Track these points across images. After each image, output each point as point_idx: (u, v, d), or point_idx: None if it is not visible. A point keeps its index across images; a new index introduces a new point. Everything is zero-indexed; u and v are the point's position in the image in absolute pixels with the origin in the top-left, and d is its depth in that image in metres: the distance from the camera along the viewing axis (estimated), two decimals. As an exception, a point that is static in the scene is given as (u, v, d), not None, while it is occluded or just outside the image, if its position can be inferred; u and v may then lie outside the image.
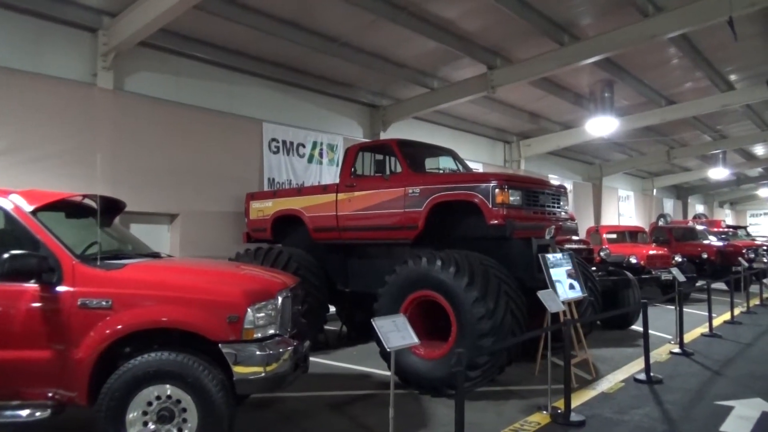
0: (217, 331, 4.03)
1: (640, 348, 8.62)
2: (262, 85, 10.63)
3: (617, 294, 10.06)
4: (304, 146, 11.14)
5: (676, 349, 8.34)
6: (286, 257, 8.06)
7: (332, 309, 9.40)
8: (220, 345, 4.03)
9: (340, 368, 7.49)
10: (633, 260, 14.13)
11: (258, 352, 4.12)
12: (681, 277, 9.11)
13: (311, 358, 7.89)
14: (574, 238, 10.76)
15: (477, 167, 13.62)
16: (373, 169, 7.61)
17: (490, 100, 13.90)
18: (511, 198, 6.52)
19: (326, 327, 9.22)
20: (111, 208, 5.56)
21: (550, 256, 6.83)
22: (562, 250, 7.58)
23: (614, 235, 16.24)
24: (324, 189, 8.27)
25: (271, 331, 4.32)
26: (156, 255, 5.40)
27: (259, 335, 4.17)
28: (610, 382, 6.70)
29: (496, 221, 6.44)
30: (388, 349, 3.61)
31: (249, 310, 4.09)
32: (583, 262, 8.21)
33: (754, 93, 13.62)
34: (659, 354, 8.28)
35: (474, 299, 5.80)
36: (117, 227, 5.68)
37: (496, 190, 6.45)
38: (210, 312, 4.04)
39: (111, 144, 8.28)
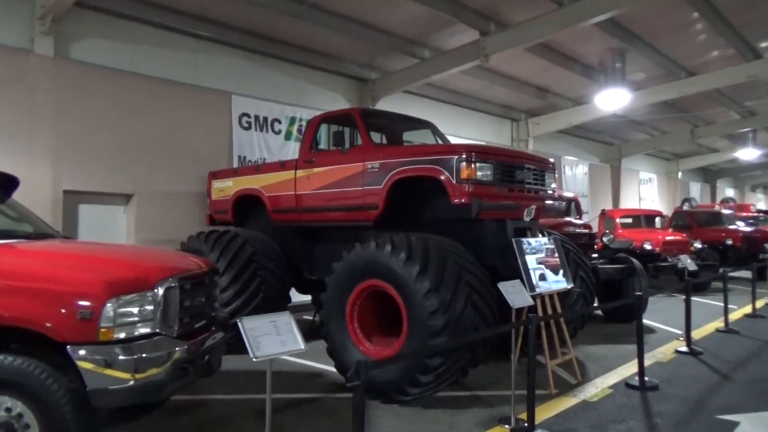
0: (64, 330, 3.25)
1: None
2: (231, 55, 9.79)
3: (621, 283, 9.04)
4: (279, 122, 10.28)
5: (683, 347, 7.33)
6: (240, 242, 7.27)
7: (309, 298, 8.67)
8: (68, 347, 3.25)
9: (295, 365, 6.68)
10: (647, 246, 13.03)
11: (122, 357, 3.34)
12: (691, 266, 8.06)
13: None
14: (576, 221, 9.73)
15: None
16: (332, 142, 6.73)
17: (490, 73, 12.83)
18: (479, 173, 5.58)
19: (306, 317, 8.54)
20: (1, 184, 4.85)
21: (528, 240, 5.89)
22: (548, 234, 6.62)
23: (629, 220, 15.10)
24: (282, 165, 7.43)
25: (146, 330, 3.52)
26: (49, 236, 4.66)
27: (123, 335, 3.37)
28: (596, 387, 5.76)
29: (460, 200, 5.52)
30: (254, 358, 2.77)
31: (108, 304, 3.29)
32: (576, 249, 7.23)
33: (786, 62, 12.28)
34: (662, 353, 7.29)
35: (426, 290, 4.91)
36: (14, 205, 4.93)
37: (461, 164, 5.52)
38: (56, 306, 3.26)
39: (52, 117, 7.55)
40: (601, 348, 7.54)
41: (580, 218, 10.81)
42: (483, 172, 5.61)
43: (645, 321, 9.44)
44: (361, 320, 5.54)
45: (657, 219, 15.17)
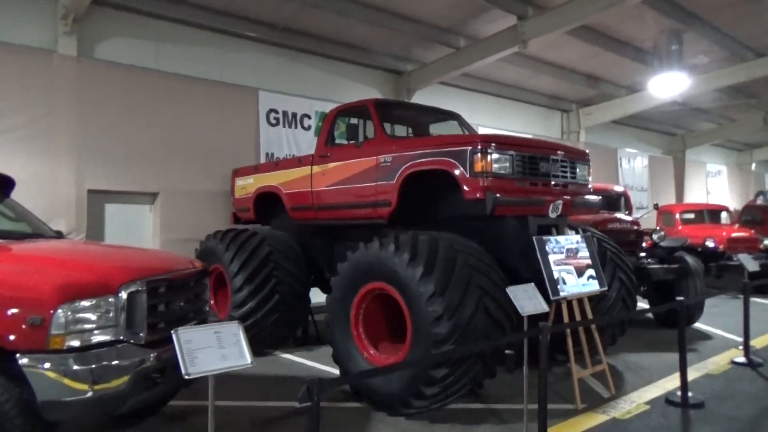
0: (14, 337, 3.06)
1: (694, 353, 6.96)
2: (258, 50, 9.62)
3: (674, 285, 8.24)
4: (309, 117, 10.05)
5: (741, 358, 6.53)
6: (257, 241, 7.05)
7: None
8: (18, 356, 3.06)
9: (307, 370, 6.41)
10: (710, 244, 12.03)
11: (76, 366, 3.12)
12: (752, 265, 7.20)
13: (285, 355, 7.02)
14: (623, 217, 8.96)
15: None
16: (346, 135, 6.39)
17: (534, 61, 12.12)
18: (496, 165, 5.08)
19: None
20: (-2, 184, 4.80)
21: (554, 239, 5.34)
22: (582, 232, 6.02)
23: (691, 215, 13.98)
24: (299, 161, 7.15)
25: (107, 337, 3.30)
26: (41, 236, 4.56)
27: (77, 343, 3.15)
28: (631, 403, 5.15)
29: (474, 195, 5.04)
30: (186, 375, 2.46)
31: (60, 309, 3.08)
32: (616, 248, 6.55)
33: None
34: (715, 363, 6.52)
35: (430, 294, 4.48)
36: (11, 204, 4.87)
37: (475, 156, 5.04)
38: (4, 311, 3.07)
39: (75, 117, 7.59)
40: (646, 357, 6.84)
41: (630, 214, 9.99)
42: (500, 164, 5.10)
43: (702, 326, 8.66)
44: (367, 325, 5.17)
45: (722, 214, 13.97)
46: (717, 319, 9.07)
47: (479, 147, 5.04)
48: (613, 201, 10.24)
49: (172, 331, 2.55)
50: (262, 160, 9.42)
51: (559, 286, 5.08)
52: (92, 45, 7.97)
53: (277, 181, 7.44)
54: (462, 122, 7.38)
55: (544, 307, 4.44)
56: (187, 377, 2.45)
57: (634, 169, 17.88)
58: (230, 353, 2.62)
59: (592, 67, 12.93)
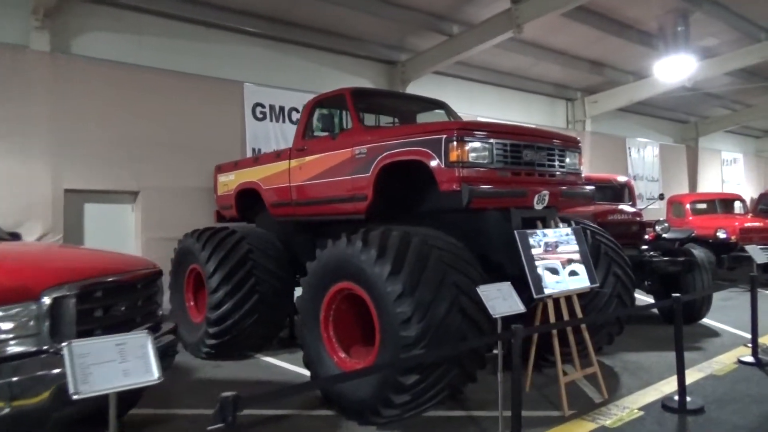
0: None
1: (698, 352, 6.54)
2: (243, 42, 9.32)
3: (678, 280, 7.80)
4: (297, 111, 9.69)
5: (748, 357, 6.10)
6: (235, 239, 6.76)
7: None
8: None
9: (285, 374, 6.11)
10: (721, 235, 11.52)
11: (-16, 380, 2.85)
12: (760, 257, 6.75)
13: (266, 358, 6.73)
14: (625, 209, 8.53)
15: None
16: (321, 127, 6.06)
17: (535, 48, 11.68)
18: (473, 154, 4.71)
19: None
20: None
21: (539, 232, 4.97)
22: (573, 224, 5.64)
23: (702, 205, 13.44)
24: (278, 156, 6.84)
25: (26, 348, 3.02)
26: None
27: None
28: (623, 408, 4.77)
29: (449, 186, 4.68)
30: (74, 395, 2.15)
31: (-34, 319, 2.80)
32: (612, 241, 6.15)
33: None
34: (721, 363, 6.11)
35: (398, 294, 4.14)
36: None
37: (450, 144, 4.68)
38: None
39: (50, 114, 7.36)
40: (647, 356, 6.43)
41: (633, 205, 9.53)
42: (478, 153, 4.74)
43: (710, 322, 8.20)
44: (338, 327, 4.86)
45: (736, 203, 13.40)
46: (727, 314, 8.61)
47: (455, 135, 4.68)
48: (617, 192, 9.80)
49: (64, 344, 2.25)
50: (249, 155, 9.13)
51: (543, 283, 4.71)
52: (68, 40, 7.73)
53: (257, 177, 7.15)
54: (449, 111, 7.02)
55: (519, 308, 4.07)
56: (75, 397, 2.14)
57: (644, 158, 17.32)
58: (134, 368, 2.30)
59: (596, 52, 12.44)
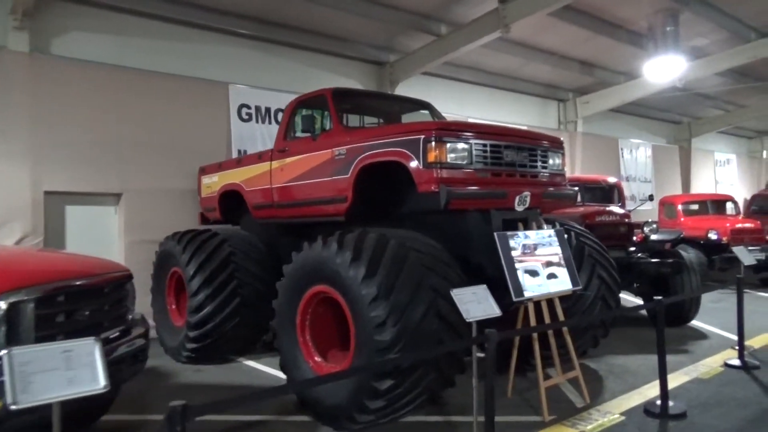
0: None
1: (685, 355, 6.48)
2: (228, 43, 9.21)
3: (667, 282, 7.73)
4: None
5: (735, 360, 6.03)
6: (217, 242, 6.68)
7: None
8: None
9: (266, 379, 6.02)
10: (713, 236, 11.47)
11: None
12: (747, 259, 6.68)
13: (248, 363, 6.62)
14: (613, 210, 8.46)
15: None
16: (301, 127, 5.98)
17: (524, 48, 11.61)
18: (452, 155, 4.64)
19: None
20: None
21: (519, 233, 4.89)
22: (558, 225, 5.56)
23: (694, 206, 13.39)
24: (259, 157, 6.76)
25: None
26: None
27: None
28: (605, 414, 4.68)
29: (427, 188, 4.60)
30: (12, 406, 2.06)
31: None
32: (597, 243, 6.07)
33: None
34: (707, 366, 6.03)
35: (372, 297, 4.06)
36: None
37: (429, 144, 4.60)
38: None
39: (28, 116, 7.24)
40: (633, 359, 6.35)
41: (623, 206, 9.47)
42: (457, 153, 4.66)
43: (698, 324, 8.13)
44: (315, 331, 4.78)
45: (728, 204, 13.36)
46: (716, 316, 8.54)
47: (433, 135, 4.60)
48: (606, 193, 9.75)
49: (3, 351, 2.16)
50: (234, 157, 9.02)
51: (523, 286, 4.63)
52: (48, 40, 7.61)
53: (239, 179, 7.06)
54: (434, 112, 6.95)
55: (495, 312, 3.99)
56: (13, 407, 2.05)
57: (636, 159, 17.26)
58: (80, 376, 2.22)
59: (585, 52, 12.38)
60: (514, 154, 5.03)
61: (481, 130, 4.95)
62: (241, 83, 9.23)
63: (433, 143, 4.59)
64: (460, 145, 4.68)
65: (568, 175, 14.31)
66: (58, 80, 7.51)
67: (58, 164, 7.48)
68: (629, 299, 9.52)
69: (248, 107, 9.25)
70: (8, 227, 7.06)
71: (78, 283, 3.51)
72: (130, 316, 4.14)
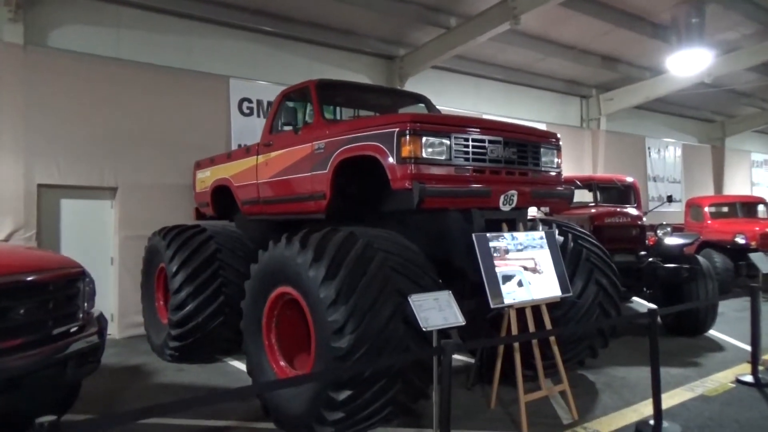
0: None
1: (694, 369, 6.02)
2: (230, 36, 9.04)
3: (682, 288, 7.24)
4: (287, 106, 9.42)
5: (748, 376, 5.54)
6: (203, 238, 6.52)
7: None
8: None
9: (246, 380, 5.79)
10: (740, 240, 10.82)
11: None
12: (766, 266, 6.16)
13: (233, 363, 6.43)
14: (625, 211, 7.98)
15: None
16: (283, 121, 5.74)
17: (540, 42, 11.13)
18: (429, 149, 4.32)
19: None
20: None
21: (502, 235, 4.55)
22: (553, 227, 5.20)
23: (723, 208, 12.70)
24: (247, 151, 6.55)
25: None
26: None
27: None
28: (591, 431, 4.31)
29: (401, 185, 4.30)
30: None
31: None
32: (597, 246, 5.65)
33: None
34: (717, 381, 5.57)
35: (331, 300, 3.79)
36: None
37: (403, 138, 4.30)
38: None
39: (22, 108, 7.19)
40: (636, 371, 5.91)
41: (639, 207, 8.96)
42: (433, 148, 4.34)
43: (716, 334, 7.61)
44: (281, 335, 4.54)
45: (759, 207, 12.61)
46: (737, 326, 7.97)
47: (408, 128, 4.29)
48: (621, 193, 9.25)
49: None
50: (234, 151, 8.87)
51: (504, 292, 4.30)
52: (44, 32, 7.57)
53: (229, 174, 6.88)
54: (430, 105, 6.64)
55: (457, 321, 3.66)
56: None
57: (665, 159, 16.52)
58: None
59: (606, 46, 11.80)
60: (500, 149, 4.69)
61: (462, 123, 4.63)
62: (242, 77, 9.05)
63: (408, 137, 4.28)
64: (438, 140, 4.36)
65: (587, 173, 13.74)
66: (53, 72, 7.45)
67: (53, 157, 7.43)
68: (645, 305, 9.01)
69: (250, 101, 9.08)
70: None
71: (11, 279, 3.34)
72: (82, 315, 3.96)
